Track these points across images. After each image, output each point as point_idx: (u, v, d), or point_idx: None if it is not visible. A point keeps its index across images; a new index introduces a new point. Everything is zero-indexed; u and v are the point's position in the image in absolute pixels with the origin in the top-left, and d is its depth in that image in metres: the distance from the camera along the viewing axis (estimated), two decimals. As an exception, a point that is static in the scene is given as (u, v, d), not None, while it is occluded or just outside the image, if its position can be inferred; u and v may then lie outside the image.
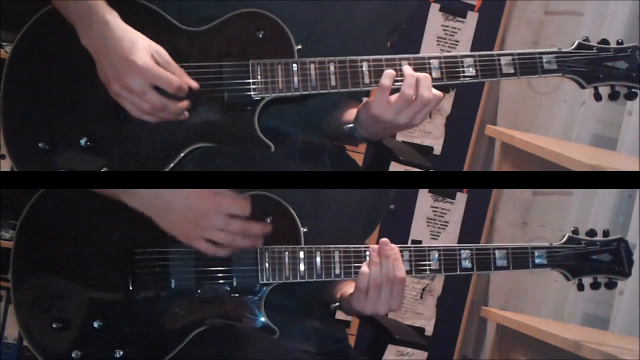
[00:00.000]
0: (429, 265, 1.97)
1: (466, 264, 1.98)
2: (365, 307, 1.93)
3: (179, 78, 1.89)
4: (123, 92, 1.87)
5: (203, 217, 1.87)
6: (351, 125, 2.00)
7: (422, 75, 1.92)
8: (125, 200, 1.89)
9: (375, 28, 2.09)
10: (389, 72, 1.92)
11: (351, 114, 2.06)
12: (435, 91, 1.92)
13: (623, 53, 1.98)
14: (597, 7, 3.47)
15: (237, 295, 1.93)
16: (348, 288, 2.03)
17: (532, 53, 1.97)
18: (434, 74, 1.94)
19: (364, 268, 1.92)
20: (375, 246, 1.94)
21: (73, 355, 1.90)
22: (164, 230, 1.89)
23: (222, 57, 1.94)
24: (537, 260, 2.00)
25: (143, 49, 1.87)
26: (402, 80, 1.92)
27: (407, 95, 1.90)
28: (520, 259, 1.99)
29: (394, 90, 1.92)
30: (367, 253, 1.94)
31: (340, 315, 2.23)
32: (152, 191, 1.88)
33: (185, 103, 1.91)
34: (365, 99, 2.27)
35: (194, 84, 1.91)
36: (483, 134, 3.76)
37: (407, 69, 1.92)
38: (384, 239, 1.93)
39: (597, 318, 3.18)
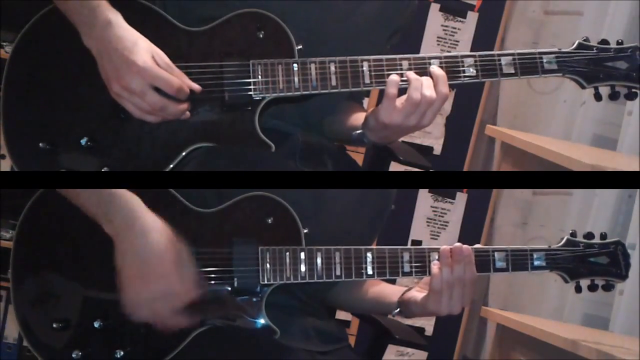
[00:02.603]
0: (429, 267, 1.97)
1: (466, 265, 1.99)
2: (440, 308, 1.95)
3: (180, 80, 1.89)
4: (123, 93, 1.87)
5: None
6: (360, 131, 2.01)
7: (425, 77, 1.92)
8: (101, 223, 1.85)
9: (375, 30, 2.09)
10: (393, 80, 1.92)
11: (357, 118, 2.07)
12: (441, 89, 1.92)
13: (623, 53, 1.98)
14: (597, 7, 3.47)
15: (238, 295, 1.93)
16: (392, 291, 2.05)
17: (533, 53, 1.97)
18: (434, 74, 1.95)
19: (436, 270, 1.94)
20: (447, 247, 1.95)
21: (73, 355, 1.90)
22: (116, 262, 1.84)
23: (223, 57, 1.94)
24: (536, 263, 2.00)
25: (144, 50, 1.87)
26: (405, 82, 1.92)
27: (414, 99, 1.91)
28: (519, 261, 1.99)
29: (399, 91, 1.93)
30: (368, 254, 1.95)
31: (340, 315, 2.23)
32: (125, 224, 1.83)
33: (185, 105, 1.91)
34: (366, 99, 2.28)
35: (196, 87, 1.91)
36: (483, 134, 3.76)
37: (412, 74, 1.92)
38: (458, 244, 1.95)
39: (597, 318, 3.18)
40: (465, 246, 1.96)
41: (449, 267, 1.94)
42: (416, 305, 1.99)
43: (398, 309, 2.03)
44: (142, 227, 1.84)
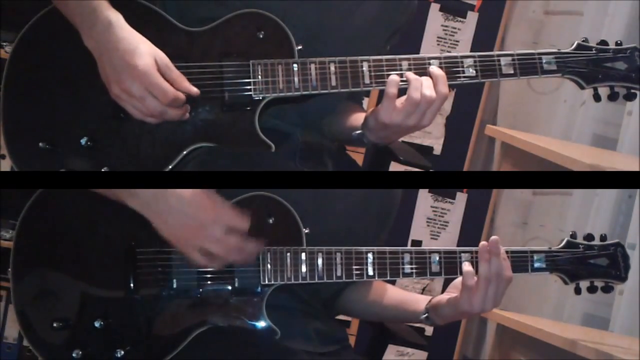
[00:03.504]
0: (430, 268, 1.97)
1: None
2: (473, 306, 1.93)
3: (175, 89, 1.88)
4: (123, 96, 1.87)
5: (202, 227, 1.87)
6: (359, 131, 2.01)
7: (424, 77, 1.92)
8: (125, 200, 1.89)
9: (375, 30, 2.09)
10: (394, 79, 1.92)
11: (357, 118, 2.07)
12: (441, 89, 1.92)
13: (622, 54, 1.99)
14: (597, 7, 3.47)
15: (238, 296, 1.93)
16: (412, 296, 2.06)
17: (532, 54, 1.97)
18: (434, 74, 1.95)
19: (469, 267, 1.94)
20: (485, 243, 1.95)
21: (74, 354, 1.90)
22: (161, 233, 1.89)
23: (223, 57, 1.94)
24: (536, 264, 2.01)
25: (145, 54, 1.86)
26: (405, 82, 1.93)
27: (414, 99, 1.91)
28: (519, 262, 1.99)
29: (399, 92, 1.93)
30: (369, 255, 1.95)
31: (340, 315, 2.23)
32: (152, 193, 1.88)
33: (183, 110, 1.91)
34: (366, 99, 2.28)
35: (194, 90, 1.91)
36: (483, 134, 3.76)
37: (411, 74, 1.93)
38: (495, 237, 1.95)
39: (597, 318, 3.18)
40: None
41: (487, 263, 1.93)
42: (448, 307, 1.98)
43: (426, 314, 2.02)
44: (169, 194, 1.87)
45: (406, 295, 2.11)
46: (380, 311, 2.13)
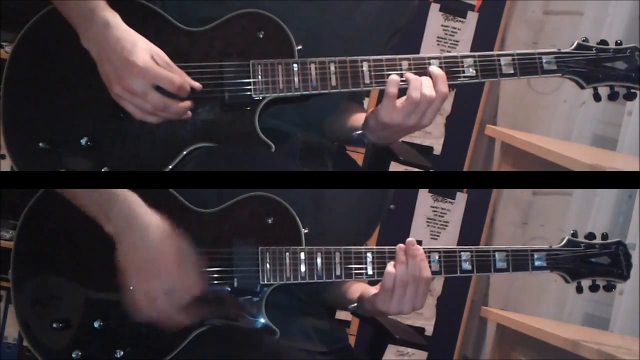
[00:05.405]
0: (429, 267, 1.97)
1: (466, 265, 1.99)
2: (390, 307, 1.93)
3: (180, 77, 1.90)
4: (125, 94, 1.87)
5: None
6: (360, 132, 2.01)
7: (424, 76, 1.92)
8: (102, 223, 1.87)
9: (375, 30, 2.09)
10: (394, 79, 1.92)
11: (357, 119, 2.07)
12: (441, 88, 1.92)
13: (622, 54, 1.99)
14: (597, 7, 3.47)
15: (237, 295, 1.93)
16: (360, 288, 2.03)
17: (532, 53, 1.98)
18: (434, 74, 1.95)
19: (390, 268, 1.93)
20: (402, 245, 1.94)
21: (73, 355, 1.90)
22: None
23: (223, 57, 1.94)
24: (536, 263, 2.00)
25: (143, 50, 1.87)
26: (405, 82, 1.93)
27: (414, 99, 1.91)
28: (519, 261, 1.99)
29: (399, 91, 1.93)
30: (368, 255, 1.95)
31: (340, 315, 2.23)
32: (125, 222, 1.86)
33: (187, 103, 1.91)
34: (366, 99, 2.27)
35: (197, 85, 1.92)
36: (483, 134, 3.76)
37: (411, 74, 1.93)
38: (411, 239, 1.94)
39: (597, 318, 3.18)
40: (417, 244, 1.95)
41: (404, 265, 1.93)
42: (368, 303, 1.98)
43: (355, 304, 2.02)
44: (142, 225, 1.84)
45: (357, 283, 2.10)
46: (342, 299, 2.12)
